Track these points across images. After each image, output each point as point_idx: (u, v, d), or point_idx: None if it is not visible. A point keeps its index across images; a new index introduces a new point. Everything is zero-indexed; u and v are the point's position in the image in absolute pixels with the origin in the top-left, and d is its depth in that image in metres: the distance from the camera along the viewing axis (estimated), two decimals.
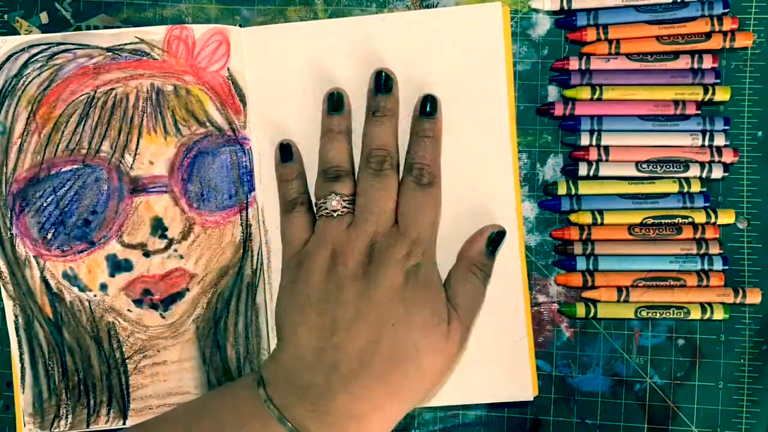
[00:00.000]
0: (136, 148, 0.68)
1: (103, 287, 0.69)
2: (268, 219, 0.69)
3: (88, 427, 0.70)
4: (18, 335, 0.70)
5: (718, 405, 0.69)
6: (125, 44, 0.69)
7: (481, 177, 0.69)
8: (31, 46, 0.69)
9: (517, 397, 0.69)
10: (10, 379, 0.71)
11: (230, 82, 0.69)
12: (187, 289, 0.69)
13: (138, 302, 0.69)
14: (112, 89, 0.68)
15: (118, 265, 0.69)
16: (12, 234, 0.69)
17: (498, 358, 0.68)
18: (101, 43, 0.69)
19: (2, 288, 0.69)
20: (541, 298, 0.70)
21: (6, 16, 0.73)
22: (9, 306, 0.70)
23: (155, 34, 0.69)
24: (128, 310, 0.69)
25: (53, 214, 0.69)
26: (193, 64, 0.69)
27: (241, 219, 0.69)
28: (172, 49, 0.69)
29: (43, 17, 0.73)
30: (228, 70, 0.69)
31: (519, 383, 0.68)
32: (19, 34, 0.72)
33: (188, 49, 0.69)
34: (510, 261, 0.69)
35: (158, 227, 0.69)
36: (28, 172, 0.69)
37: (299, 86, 0.69)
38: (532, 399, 0.69)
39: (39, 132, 0.69)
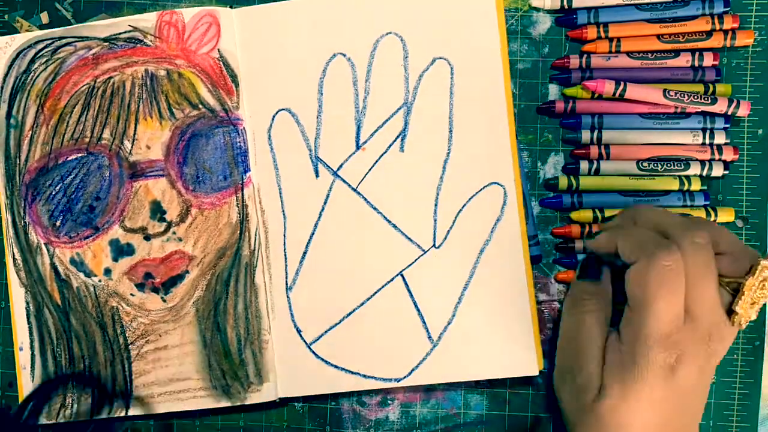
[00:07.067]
0: (134, 134, 0.69)
1: (107, 272, 0.70)
2: (265, 199, 0.70)
3: (91, 416, 0.70)
4: (29, 322, 0.70)
5: (711, 399, 0.69)
6: (120, 33, 0.70)
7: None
8: (37, 42, 0.71)
9: (523, 373, 0.69)
10: (12, 379, 0.72)
11: (221, 63, 0.70)
12: (187, 272, 0.70)
13: (140, 286, 0.70)
14: (110, 78, 0.69)
15: (120, 250, 0.70)
16: (25, 222, 0.70)
17: (503, 334, 0.68)
18: (98, 34, 0.70)
19: (15, 275, 0.71)
20: (543, 297, 0.70)
21: (6, 16, 0.73)
22: (21, 294, 0.71)
23: (147, 21, 0.70)
24: (131, 294, 0.70)
25: (61, 202, 0.70)
26: (184, 48, 0.70)
27: (236, 200, 0.70)
28: (163, 34, 0.70)
29: (44, 17, 0.73)
30: (219, 51, 0.70)
31: (524, 359, 0.68)
32: (19, 33, 0.72)
33: (179, 33, 0.69)
34: (512, 238, 0.69)
35: (157, 210, 0.69)
36: (38, 162, 0.70)
37: (293, 64, 0.70)
38: (537, 374, 0.69)
39: (47, 123, 0.70)
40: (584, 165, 0.69)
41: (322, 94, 0.69)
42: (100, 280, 0.70)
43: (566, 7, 0.70)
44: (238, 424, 0.72)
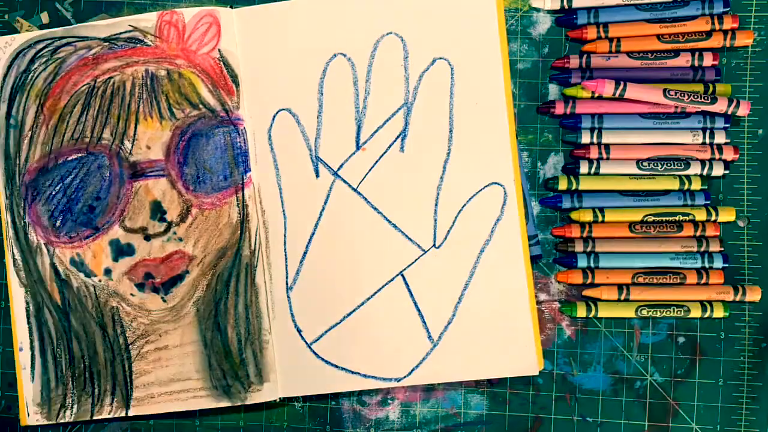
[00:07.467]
0: (134, 134, 0.69)
1: (108, 272, 0.70)
2: (265, 199, 0.70)
3: (92, 417, 0.70)
4: (29, 322, 0.70)
5: (718, 402, 0.69)
6: (120, 33, 0.70)
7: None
8: (36, 42, 0.70)
9: (523, 373, 0.69)
10: (12, 380, 0.72)
11: (222, 63, 0.70)
12: (187, 272, 0.69)
13: (140, 286, 0.70)
14: (110, 78, 0.69)
15: (120, 250, 0.69)
16: (25, 222, 0.70)
17: (503, 334, 0.68)
18: (99, 34, 0.70)
19: (15, 275, 0.71)
20: (543, 297, 0.70)
21: (7, 16, 0.73)
22: (21, 294, 0.71)
23: (147, 20, 0.70)
24: (131, 294, 0.70)
25: (61, 202, 0.70)
26: (185, 48, 0.70)
27: (237, 200, 0.69)
28: (163, 34, 0.70)
29: (44, 17, 0.73)
30: (219, 51, 0.70)
31: (524, 359, 0.68)
32: (19, 33, 0.72)
33: (179, 33, 0.69)
34: (512, 238, 0.69)
35: (157, 211, 0.69)
36: (38, 162, 0.70)
37: (293, 64, 0.70)
38: (537, 374, 0.69)
39: (47, 124, 0.70)
40: (584, 165, 0.69)
41: (322, 94, 0.69)
42: (100, 280, 0.70)
43: (566, 7, 0.70)
44: (238, 424, 0.72)
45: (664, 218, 0.69)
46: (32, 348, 0.70)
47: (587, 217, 0.69)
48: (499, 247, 0.69)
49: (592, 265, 0.69)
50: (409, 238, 0.69)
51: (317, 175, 0.69)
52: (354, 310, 0.69)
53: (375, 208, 0.69)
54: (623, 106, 0.69)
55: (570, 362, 0.70)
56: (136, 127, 0.69)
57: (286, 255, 0.69)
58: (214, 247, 0.69)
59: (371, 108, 0.69)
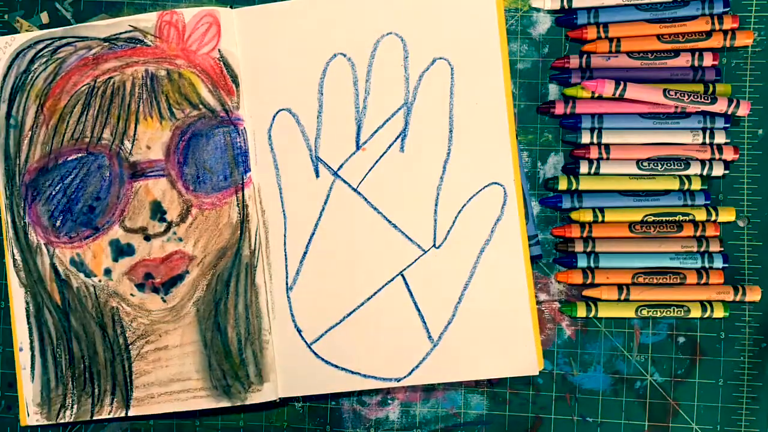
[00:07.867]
0: (134, 134, 0.69)
1: (108, 272, 0.70)
2: (265, 199, 0.70)
3: (92, 417, 0.70)
4: (29, 323, 0.70)
5: (719, 402, 0.69)
6: (120, 33, 0.70)
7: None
8: (36, 42, 0.71)
9: (523, 373, 0.69)
10: (12, 380, 0.72)
11: (221, 63, 0.70)
12: (187, 272, 0.69)
13: (140, 286, 0.70)
14: (110, 78, 0.69)
15: (120, 250, 0.69)
16: (25, 222, 0.70)
17: (503, 334, 0.68)
18: (99, 34, 0.70)
19: (15, 275, 0.71)
20: (543, 297, 0.70)
21: (6, 16, 0.73)
22: (21, 294, 0.71)
23: (147, 21, 0.70)
24: (131, 294, 0.70)
25: (61, 202, 0.70)
26: (185, 48, 0.70)
27: (237, 200, 0.69)
28: (163, 35, 0.70)
29: (44, 17, 0.73)
30: (219, 51, 0.70)
31: (524, 359, 0.68)
32: (19, 33, 0.72)
33: (179, 33, 0.70)
34: (512, 238, 0.69)
35: (157, 211, 0.69)
36: (38, 162, 0.70)
37: (293, 64, 0.70)
38: (537, 374, 0.68)
39: (47, 124, 0.70)
40: (584, 165, 0.69)
41: (322, 94, 0.69)
42: (100, 281, 0.70)
43: (566, 7, 0.70)
44: (238, 424, 0.72)
45: (664, 218, 0.69)
46: (32, 348, 0.70)
47: (587, 217, 0.69)
48: (499, 247, 0.69)
49: (592, 265, 0.69)
50: (409, 238, 0.69)
51: (317, 175, 0.69)
52: (354, 310, 0.69)
53: (375, 208, 0.69)
54: (623, 106, 0.69)
55: (570, 362, 0.70)
56: (136, 127, 0.69)
57: (286, 255, 0.69)
58: (214, 247, 0.69)
59: (371, 108, 0.69)
